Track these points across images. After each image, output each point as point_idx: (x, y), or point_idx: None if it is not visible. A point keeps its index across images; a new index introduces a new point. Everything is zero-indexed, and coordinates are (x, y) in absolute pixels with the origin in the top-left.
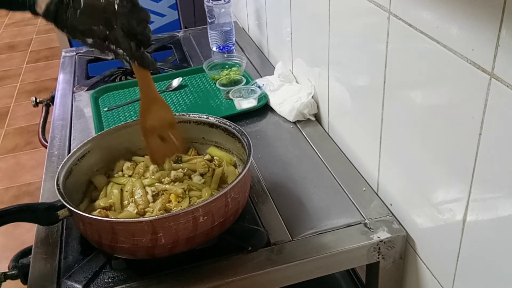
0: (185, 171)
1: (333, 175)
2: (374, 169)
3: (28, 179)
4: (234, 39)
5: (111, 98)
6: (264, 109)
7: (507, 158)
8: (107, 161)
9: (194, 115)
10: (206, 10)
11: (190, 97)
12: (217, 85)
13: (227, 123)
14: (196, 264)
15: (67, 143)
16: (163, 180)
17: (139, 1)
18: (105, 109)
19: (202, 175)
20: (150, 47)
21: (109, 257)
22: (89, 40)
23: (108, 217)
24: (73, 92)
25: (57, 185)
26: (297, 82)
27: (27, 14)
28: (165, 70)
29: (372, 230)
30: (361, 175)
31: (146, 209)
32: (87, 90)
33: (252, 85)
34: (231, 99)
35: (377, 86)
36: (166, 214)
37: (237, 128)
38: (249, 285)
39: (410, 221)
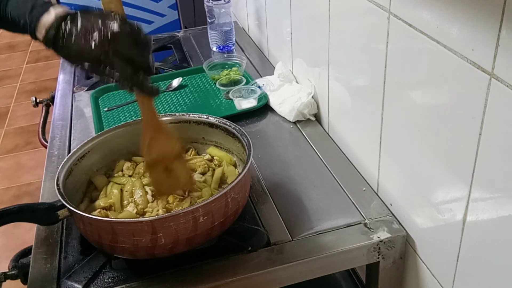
0: None
1: (333, 175)
2: (374, 169)
3: (28, 179)
4: (234, 39)
5: (111, 98)
6: (264, 109)
7: (507, 158)
8: (107, 161)
9: (194, 115)
10: (206, 10)
11: (190, 97)
12: (217, 85)
13: (227, 123)
14: (196, 264)
15: (67, 143)
16: None
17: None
18: (105, 109)
19: (202, 174)
20: (152, 74)
21: (109, 257)
22: (86, 65)
23: (108, 217)
24: (73, 92)
25: (57, 185)
26: (297, 82)
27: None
28: (165, 70)
29: (372, 230)
30: (361, 175)
31: (145, 209)
32: (87, 90)
33: (252, 85)
34: (231, 99)
35: (377, 86)
36: (166, 214)
37: (237, 128)
38: (249, 285)
39: (410, 221)
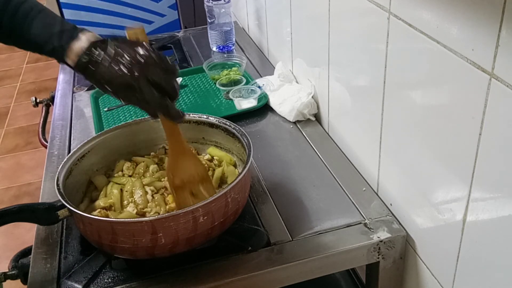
0: None
1: (333, 175)
2: (374, 169)
3: (28, 179)
4: (234, 39)
5: (111, 98)
6: (264, 109)
7: (507, 158)
8: (107, 161)
9: (194, 115)
10: (206, 10)
11: (190, 97)
12: (217, 85)
13: (227, 123)
14: (196, 264)
15: (67, 143)
16: (162, 179)
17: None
18: (105, 109)
19: None
20: (177, 99)
21: (109, 257)
22: (114, 89)
23: (108, 217)
24: (73, 92)
25: (57, 185)
26: (297, 82)
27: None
28: None
29: (372, 230)
30: (361, 175)
31: (145, 209)
32: (87, 90)
33: (252, 85)
34: (231, 99)
35: (377, 86)
36: (166, 214)
37: (237, 128)
38: (249, 285)
39: (410, 221)
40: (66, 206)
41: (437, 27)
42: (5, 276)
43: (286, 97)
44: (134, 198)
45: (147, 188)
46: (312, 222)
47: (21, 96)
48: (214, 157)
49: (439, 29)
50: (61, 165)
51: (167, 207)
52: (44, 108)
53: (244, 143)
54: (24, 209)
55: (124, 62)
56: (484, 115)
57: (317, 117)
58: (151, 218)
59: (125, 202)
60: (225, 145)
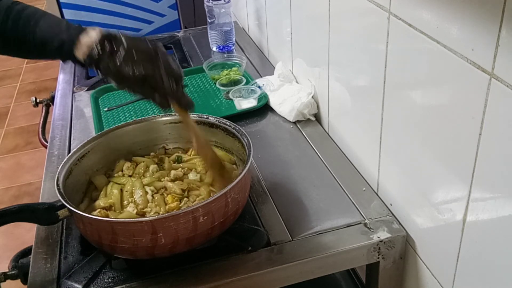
0: (185, 170)
1: (333, 175)
2: (374, 169)
3: (28, 179)
4: (234, 39)
5: (111, 98)
6: (264, 109)
7: (507, 158)
8: (107, 161)
9: (194, 115)
10: (206, 10)
11: (190, 97)
12: (217, 85)
13: (227, 123)
14: (196, 264)
15: (67, 143)
16: (162, 179)
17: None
18: (105, 109)
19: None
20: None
21: (109, 257)
22: (132, 80)
23: (108, 217)
24: (73, 92)
25: (57, 185)
26: (297, 82)
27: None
28: None
29: (372, 230)
30: (361, 175)
31: (145, 209)
32: (87, 90)
33: (252, 85)
34: (231, 99)
35: (377, 86)
36: (166, 214)
37: (237, 128)
38: (249, 285)
39: (410, 221)
40: (66, 206)
41: (437, 27)
42: (5, 276)
43: (286, 97)
44: (134, 198)
45: (147, 188)
46: (312, 222)
47: (21, 96)
48: None
49: (439, 29)
50: (61, 165)
51: (167, 207)
52: (44, 108)
53: (244, 143)
54: (24, 209)
55: (140, 53)
56: (484, 115)
57: (317, 117)
58: (151, 218)
59: (125, 202)
60: (225, 145)
